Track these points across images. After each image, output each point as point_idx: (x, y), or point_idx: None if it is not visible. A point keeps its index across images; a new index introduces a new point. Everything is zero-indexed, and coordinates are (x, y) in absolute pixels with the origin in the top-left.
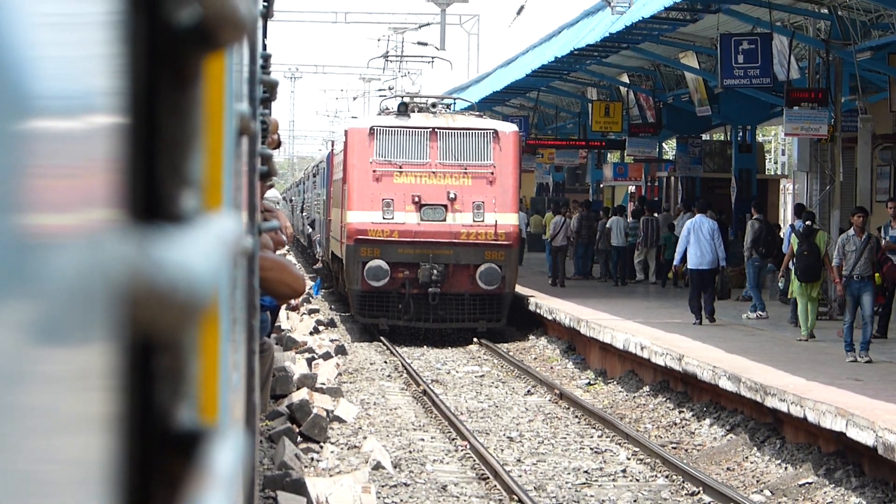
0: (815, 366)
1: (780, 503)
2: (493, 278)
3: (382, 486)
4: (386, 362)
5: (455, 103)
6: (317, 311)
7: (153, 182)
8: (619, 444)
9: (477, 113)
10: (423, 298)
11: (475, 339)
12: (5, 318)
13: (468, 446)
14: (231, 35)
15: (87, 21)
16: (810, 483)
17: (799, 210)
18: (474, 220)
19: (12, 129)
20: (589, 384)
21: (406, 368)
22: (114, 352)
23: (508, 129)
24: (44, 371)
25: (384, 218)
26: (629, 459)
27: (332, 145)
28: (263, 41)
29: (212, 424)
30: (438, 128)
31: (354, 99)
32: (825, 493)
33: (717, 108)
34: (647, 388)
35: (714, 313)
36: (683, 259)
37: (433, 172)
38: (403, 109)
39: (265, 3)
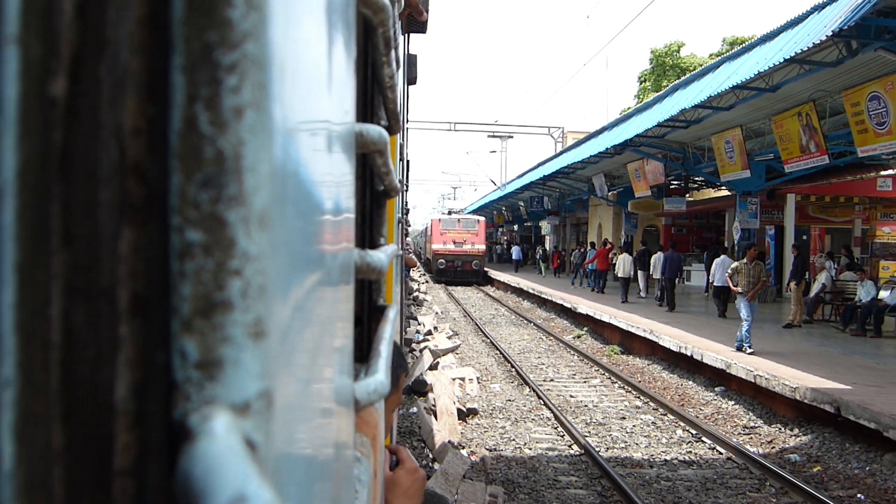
0: (577, 293)
1: (570, 338)
2: (478, 266)
3: (439, 321)
4: (440, 288)
5: (466, 209)
6: (420, 271)
7: (371, 235)
8: (522, 321)
9: (473, 213)
10: (455, 273)
11: (474, 286)
12: (324, 280)
13: (465, 313)
14: (395, 193)
15: (347, 184)
16: (580, 336)
17: (541, 244)
18: (471, 247)
19: (319, 219)
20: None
21: (447, 290)
22: (356, 286)
23: (481, 219)
24: (332, 295)
25: (443, 247)
26: (510, 314)
27: (427, 225)
28: (405, 195)
29: (389, 304)
30: (461, 218)
31: (433, 209)
32: (585, 340)
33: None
34: (523, 299)
35: (519, 269)
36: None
37: (458, 233)
38: (449, 212)
39: (406, 184)
